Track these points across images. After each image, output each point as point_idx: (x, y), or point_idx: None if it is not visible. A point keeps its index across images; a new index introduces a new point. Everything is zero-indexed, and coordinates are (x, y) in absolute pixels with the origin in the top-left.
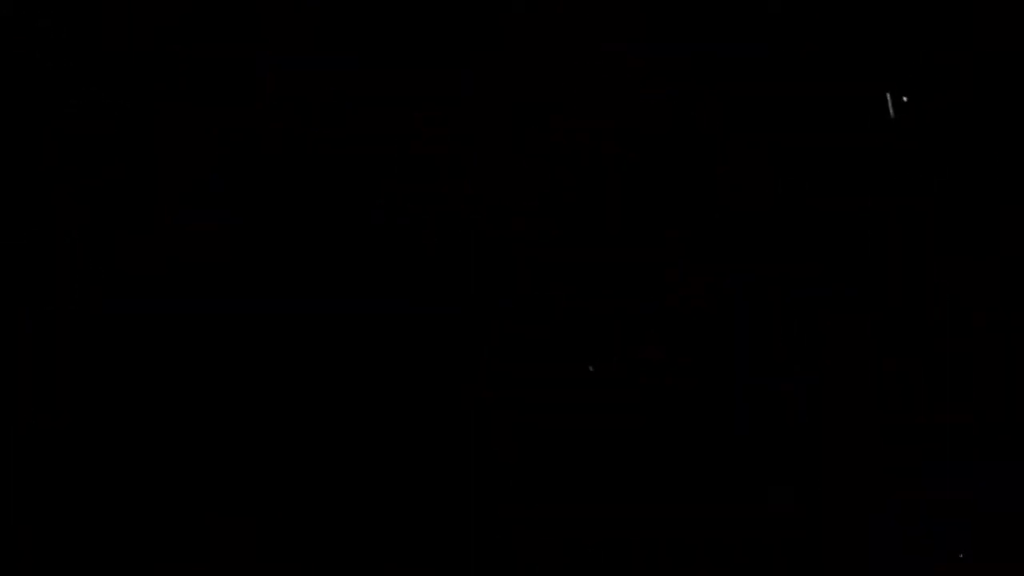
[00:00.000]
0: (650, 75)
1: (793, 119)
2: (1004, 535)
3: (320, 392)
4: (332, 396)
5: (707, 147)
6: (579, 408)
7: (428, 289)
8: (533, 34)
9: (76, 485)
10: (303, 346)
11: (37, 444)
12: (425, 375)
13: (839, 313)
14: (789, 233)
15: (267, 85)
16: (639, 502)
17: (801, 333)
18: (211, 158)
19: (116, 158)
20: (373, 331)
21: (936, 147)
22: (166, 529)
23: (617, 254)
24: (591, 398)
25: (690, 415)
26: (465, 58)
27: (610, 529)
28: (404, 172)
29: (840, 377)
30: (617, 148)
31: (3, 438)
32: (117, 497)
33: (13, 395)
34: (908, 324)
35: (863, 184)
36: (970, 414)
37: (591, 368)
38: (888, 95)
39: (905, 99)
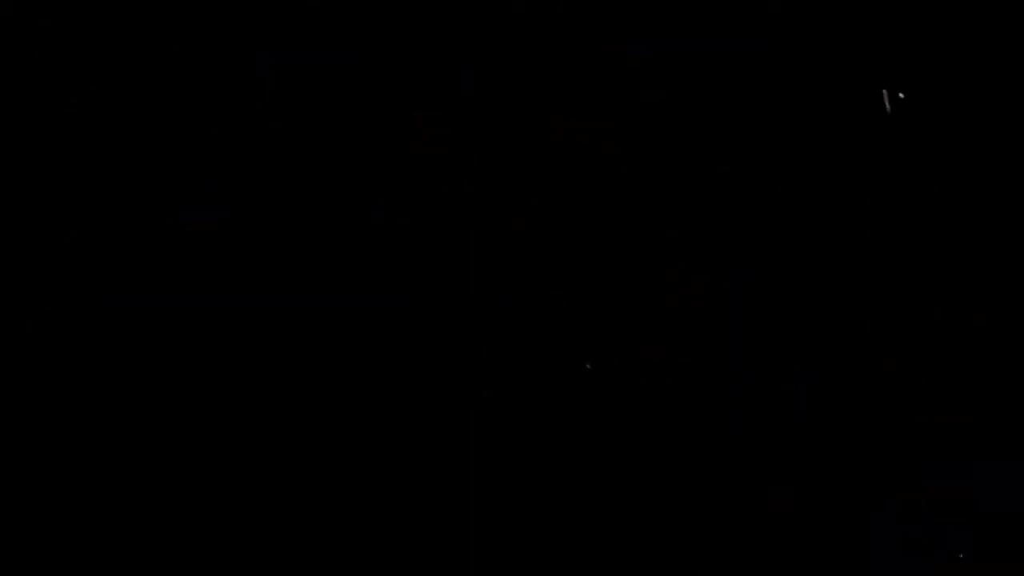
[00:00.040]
0: (650, 75)
1: (793, 119)
2: (1004, 535)
3: (320, 392)
4: (332, 396)
5: (707, 147)
6: (579, 408)
7: (428, 289)
8: (533, 34)
9: (76, 485)
10: (303, 346)
11: (37, 444)
12: (425, 375)
13: (839, 313)
14: (789, 233)
15: (267, 85)
16: (639, 502)
17: (801, 333)
18: (211, 158)
19: (116, 158)
20: (373, 331)
21: (936, 147)
22: (166, 529)
23: (617, 254)
24: (591, 398)
25: (690, 415)
26: (465, 58)
27: (610, 529)
28: (404, 172)
29: (840, 377)
30: (617, 148)
31: (3, 438)
32: (117, 497)
33: (13, 395)
34: (908, 324)
35: (863, 184)
36: (970, 414)
37: (588, 366)
38: (884, 91)
39: (902, 95)
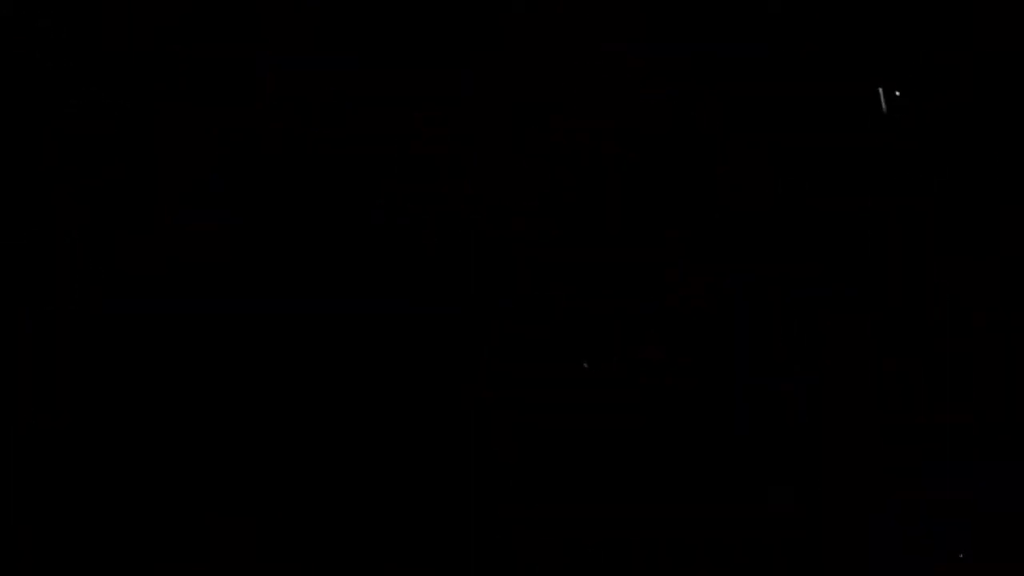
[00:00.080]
0: (650, 75)
1: (793, 119)
2: (1004, 535)
3: (320, 392)
4: (332, 396)
5: (707, 147)
6: (579, 408)
7: (428, 289)
8: (533, 34)
9: (76, 485)
10: (303, 346)
11: (37, 444)
12: (425, 375)
13: (839, 313)
14: (789, 233)
15: (267, 85)
16: (639, 502)
17: (801, 333)
18: (211, 158)
19: (116, 158)
20: (373, 331)
21: (936, 147)
22: (166, 529)
23: (617, 254)
24: (591, 398)
25: (690, 415)
26: (465, 58)
27: (610, 529)
28: (404, 172)
29: (840, 377)
30: (617, 148)
31: (3, 438)
32: (117, 497)
33: (13, 395)
34: (908, 324)
35: (863, 184)
36: (970, 414)
37: (585, 365)
38: (880, 90)
39: (898, 94)
